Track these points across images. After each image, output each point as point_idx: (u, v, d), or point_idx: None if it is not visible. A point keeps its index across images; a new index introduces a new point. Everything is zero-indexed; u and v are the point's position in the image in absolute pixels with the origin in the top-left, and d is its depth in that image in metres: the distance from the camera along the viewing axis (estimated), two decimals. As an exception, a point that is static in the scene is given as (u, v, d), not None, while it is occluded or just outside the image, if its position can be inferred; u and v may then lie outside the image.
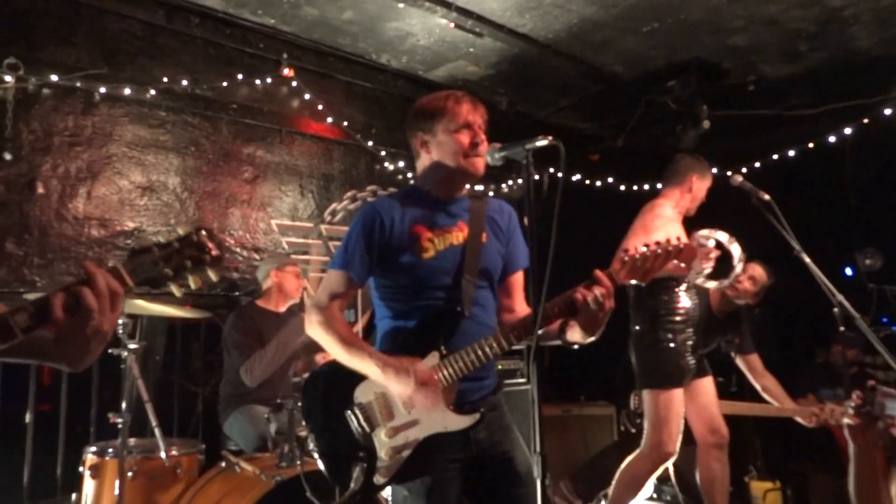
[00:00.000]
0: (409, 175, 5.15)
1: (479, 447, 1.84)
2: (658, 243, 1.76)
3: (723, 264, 3.10)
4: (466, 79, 5.14)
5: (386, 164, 5.10)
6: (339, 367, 1.85)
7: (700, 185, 3.33)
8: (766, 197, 2.79)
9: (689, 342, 3.21)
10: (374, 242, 1.84)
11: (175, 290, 1.17)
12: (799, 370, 4.76)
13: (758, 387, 3.60)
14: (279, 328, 3.49)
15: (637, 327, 3.30)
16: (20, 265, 3.53)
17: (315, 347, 3.53)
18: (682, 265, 1.73)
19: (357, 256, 1.84)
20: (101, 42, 3.89)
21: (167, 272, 1.14)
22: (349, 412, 1.79)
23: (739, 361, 3.64)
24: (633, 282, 1.75)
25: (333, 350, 1.83)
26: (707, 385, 3.41)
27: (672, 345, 3.16)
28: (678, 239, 1.77)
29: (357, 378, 1.80)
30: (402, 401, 1.77)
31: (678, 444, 3.12)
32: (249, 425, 3.27)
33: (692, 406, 3.32)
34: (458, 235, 1.90)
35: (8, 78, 3.46)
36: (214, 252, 1.18)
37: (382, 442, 1.77)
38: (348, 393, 1.81)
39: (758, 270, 3.42)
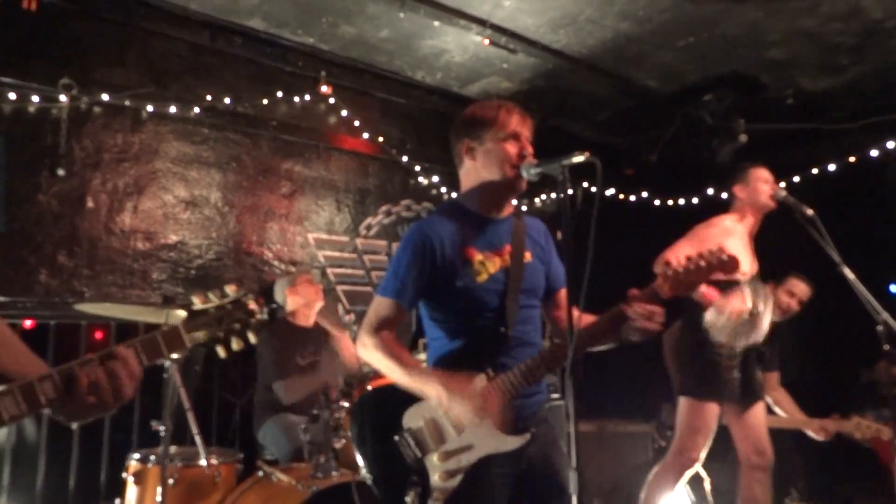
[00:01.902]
0: (444, 190, 5.20)
1: (529, 461, 1.83)
2: (700, 254, 1.74)
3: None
4: (500, 94, 5.19)
5: (420, 178, 5.16)
6: (385, 393, 1.87)
7: (742, 190, 3.18)
8: (810, 212, 2.75)
9: (736, 357, 3.08)
10: (425, 268, 1.84)
11: (221, 351, 1.23)
12: (841, 390, 4.64)
13: (769, 400, 3.55)
14: (309, 342, 3.58)
15: (682, 329, 3.22)
16: (70, 276, 3.67)
17: (361, 378, 3.62)
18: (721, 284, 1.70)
19: (407, 283, 1.84)
20: (150, 62, 4.05)
21: (219, 335, 1.21)
22: (400, 438, 1.78)
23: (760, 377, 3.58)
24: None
25: (391, 372, 1.83)
26: (758, 409, 3.26)
27: (717, 357, 3.06)
28: (720, 248, 1.75)
29: (404, 403, 1.81)
30: (456, 422, 1.76)
31: (703, 454, 3.06)
32: (283, 434, 3.32)
33: (740, 426, 3.22)
34: (505, 258, 1.90)
35: (62, 98, 3.62)
36: (259, 317, 1.24)
37: (435, 466, 1.76)
38: (397, 418, 1.80)
39: (800, 286, 3.36)
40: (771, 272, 3.49)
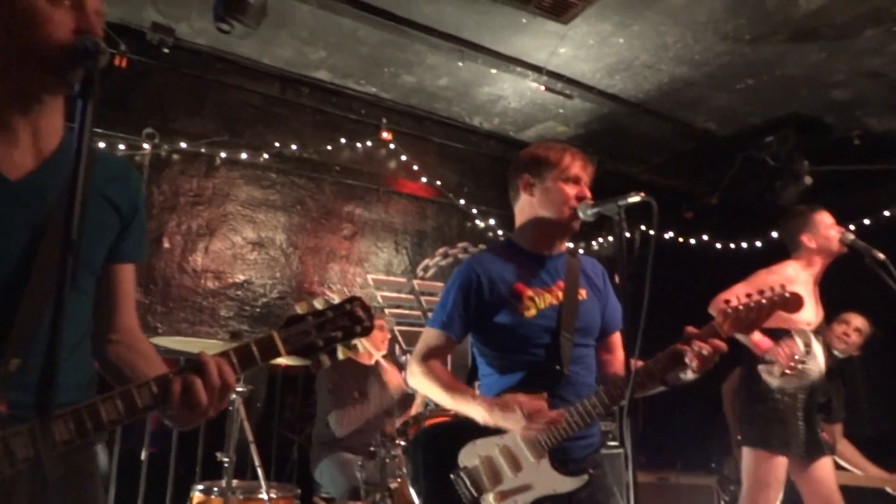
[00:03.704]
0: (500, 232, 5.26)
1: None
2: (761, 292, 1.70)
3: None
4: (556, 138, 5.26)
5: (477, 221, 5.24)
6: (440, 431, 1.89)
7: (812, 239, 3.07)
8: (881, 256, 2.66)
9: (799, 406, 2.97)
10: (472, 301, 1.87)
11: (324, 360, 1.17)
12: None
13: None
14: (367, 378, 3.63)
15: (742, 378, 3.13)
16: (145, 313, 3.88)
17: (405, 403, 3.65)
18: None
19: (455, 315, 1.88)
20: (224, 112, 4.33)
21: (318, 342, 1.13)
22: (455, 476, 1.79)
23: (825, 428, 3.41)
24: (740, 336, 1.70)
25: (438, 396, 1.87)
26: (825, 463, 3.10)
27: (780, 406, 2.95)
28: (782, 287, 1.71)
29: (460, 441, 1.82)
30: (522, 439, 1.76)
31: None
32: (340, 473, 3.36)
33: (806, 482, 3.06)
34: (558, 294, 1.91)
35: (145, 145, 3.91)
36: (367, 324, 1.16)
37: None
38: (453, 456, 1.81)
39: (860, 320, 3.23)
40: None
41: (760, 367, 2.89)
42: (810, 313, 3.10)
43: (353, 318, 1.16)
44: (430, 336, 1.94)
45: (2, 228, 1.07)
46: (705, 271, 4.70)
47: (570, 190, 1.89)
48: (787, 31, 3.80)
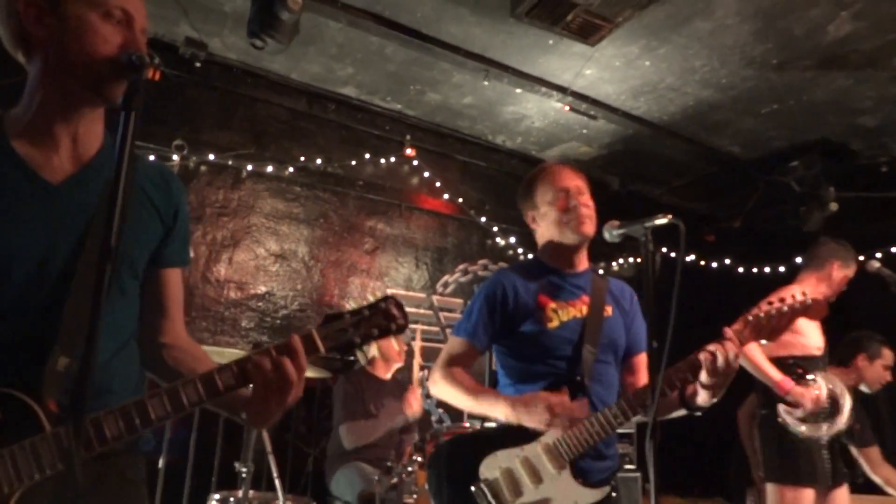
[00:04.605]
0: (520, 250, 5.26)
1: None
2: (783, 299, 1.69)
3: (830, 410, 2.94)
4: (579, 159, 5.27)
5: (497, 239, 5.25)
6: (462, 443, 1.90)
7: (841, 274, 3.13)
8: (906, 284, 2.63)
9: (824, 435, 2.95)
10: (497, 311, 1.91)
11: (361, 357, 1.26)
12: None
13: (878, 479, 3.29)
14: (383, 393, 3.63)
15: (763, 411, 3.10)
16: (168, 321, 3.92)
17: (434, 433, 3.64)
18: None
19: (480, 325, 1.92)
20: (252, 125, 4.41)
21: (356, 339, 1.17)
22: (476, 488, 1.79)
23: (857, 454, 3.33)
24: (763, 342, 1.70)
25: (460, 400, 1.88)
26: (843, 491, 3.08)
27: (802, 436, 2.93)
28: (804, 294, 1.69)
29: (481, 453, 1.82)
30: (547, 443, 1.76)
31: None
32: (359, 478, 3.32)
33: None
34: (582, 308, 1.93)
35: (174, 157, 3.99)
36: (401, 321, 1.21)
37: None
38: (474, 468, 1.81)
39: (890, 356, 3.19)
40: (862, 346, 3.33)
41: (781, 408, 2.90)
42: (817, 338, 3.09)
43: (387, 315, 1.20)
44: (454, 344, 1.97)
45: (45, 230, 1.11)
46: (726, 295, 4.66)
47: (562, 203, 1.95)
48: (814, 57, 3.80)
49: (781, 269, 5.45)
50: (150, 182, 1.25)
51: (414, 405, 3.49)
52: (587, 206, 1.95)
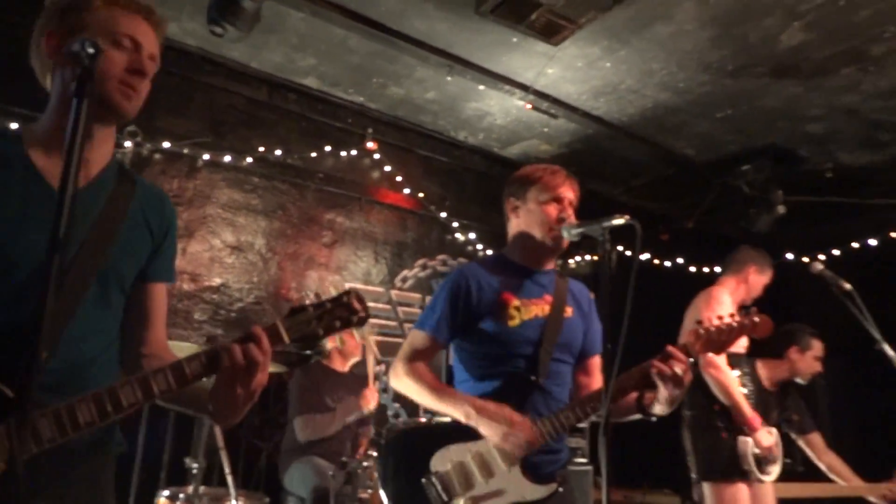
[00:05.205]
0: (480, 247, 5.29)
1: None
2: (732, 315, 1.78)
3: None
4: (539, 157, 5.32)
5: (457, 235, 5.27)
6: (414, 436, 1.90)
7: (757, 279, 3.32)
8: (848, 286, 2.75)
9: (759, 478, 3.08)
10: (460, 306, 1.91)
11: (329, 344, 1.29)
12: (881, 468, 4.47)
13: (822, 466, 3.44)
14: (340, 386, 3.61)
15: (689, 412, 3.21)
16: (118, 312, 3.81)
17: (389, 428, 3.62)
18: None
19: (443, 319, 1.91)
20: (209, 114, 4.30)
21: (319, 331, 1.24)
22: (427, 481, 1.80)
23: (801, 442, 3.49)
24: (710, 354, 1.77)
25: (422, 397, 1.88)
26: (767, 488, 3.20)
27: (728, 433, 3.05)
28: (754, 311, 1.79)
29: (433, 446, 1.83)
30: (498, 452, 1.78)
31: None
32: (312, 472, 3.29)
33: (754, 499, 3.14)
34: (544, 307, 1.95)
35: (127, 143, 3.86)
36: (363, 314, 1.27)
37: None
38: (425, 461, 1.82)
39: (821, 347, 3.37)
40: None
41: (749, 442, 3.04)
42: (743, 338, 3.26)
43: (350, 308, 1.27)
44: (416, 338, 1.96)
45: (48, 234, 1.15)
46: (678, 293, 4.78)
47: (552, 210, 1.94)
48: (767, 64, 3.92)
49: (731, 269, 5.63)
50: (147, 203, 1.35)
51: (370, 400, 3.48)
52: (572, 221, 1.95)
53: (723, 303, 3.17)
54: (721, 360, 3.02)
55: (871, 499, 3.31)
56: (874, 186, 5.25)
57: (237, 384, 1.16)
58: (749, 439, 3.03)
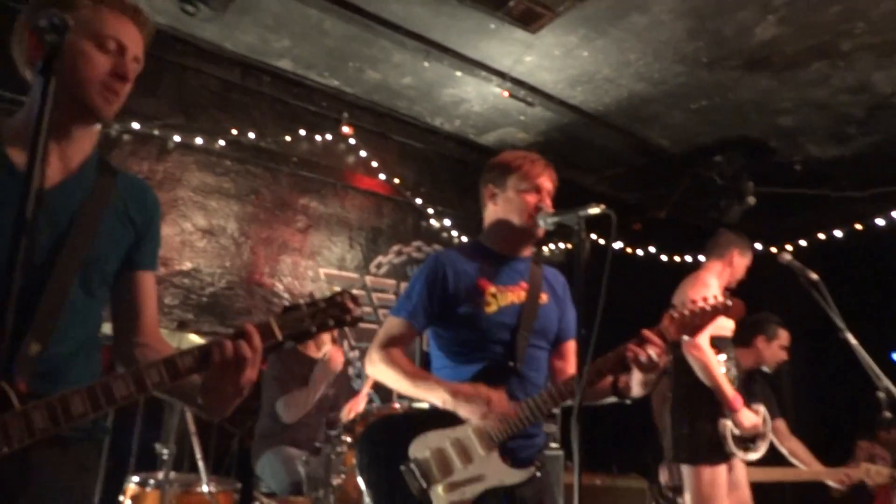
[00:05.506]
0: (454, 233, 5.29)
1: (522, 501, 1.85)
2: (705, 299, 1.82)
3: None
4: (515, 145, 5.32)
5: (432, 221, 5.26)
6: (392, 422, 1.90)
7: (740, 262, 3.37)
8: (815, 276, 2.81)
9: (743, 459, 3.16)
10: (437, 293, 1.91)
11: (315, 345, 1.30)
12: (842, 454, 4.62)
13: (784, 451, 3.56)
14: (314, 370, 3.61)
15: (672, 393, 3.27)
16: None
17: (350, 392, 3.61)
18: None
19: (419, 306, 1.91)
20: (180, 95, 4.21)
21: (311, 329, 1.26)
22: (405, 468, 1.80)
23: None
24: (686, 337, 1.81)
25: (398, 383, 1.88)
26: (740, 464, 3.29)
27: (710, 414, 3.10)
28: (725, 295, 1.84)
29: (411, 433, 1.83)
30: (474, 430, 1.79)
31: None
32: (282, 467, 3.32)
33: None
34: (520, 294, 1.96)
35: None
36: (356, 314, 1.30)
37: (439, 497, 1.77)
38: (403, 448, 1.82)
39: (786, 337, 3.47)
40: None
41: (728, 424, 3.08)
42: (729, 321, 3.31)
43: (343, 308, 1.29)
44: (392, 325, 1.96)
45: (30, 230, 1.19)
46: (650, 282, 4.85)
47: (531, 199, 1.95)
48: (741, 57, 3.97)
49: (701, 257, 5.71)
50: (129, 194, 1.37)
51: (337, 359, 3.50)
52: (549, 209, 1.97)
53: (709, 286, 3.21)
54: (704, 341, 3.04)
55: (830, 483, 3.42)
56: (841, 179, 5.37)
57: (226, 380, 1.18)
58: (728, 421, 3.08)
